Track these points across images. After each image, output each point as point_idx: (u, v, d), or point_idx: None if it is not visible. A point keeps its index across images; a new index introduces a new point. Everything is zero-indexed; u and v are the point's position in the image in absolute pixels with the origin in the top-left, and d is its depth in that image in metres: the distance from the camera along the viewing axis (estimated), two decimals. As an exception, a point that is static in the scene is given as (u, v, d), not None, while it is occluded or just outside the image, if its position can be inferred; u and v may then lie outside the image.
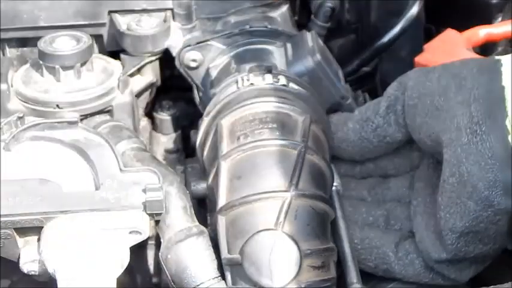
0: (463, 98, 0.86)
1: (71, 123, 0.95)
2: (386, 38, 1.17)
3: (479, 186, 0.83)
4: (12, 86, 1.04)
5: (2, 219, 0.84)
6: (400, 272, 0.91)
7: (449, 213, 0.86)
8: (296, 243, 0.82)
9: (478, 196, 0.83)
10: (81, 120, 0.99)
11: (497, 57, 0.88)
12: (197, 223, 0.90)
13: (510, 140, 0.82)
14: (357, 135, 0.96)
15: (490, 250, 0.87)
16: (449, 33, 1.17)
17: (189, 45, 1.08)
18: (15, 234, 0.86)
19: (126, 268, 0.86)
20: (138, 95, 1.10)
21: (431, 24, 1.24)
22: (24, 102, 1.02)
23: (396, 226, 0.95)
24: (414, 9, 1.16)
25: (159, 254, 0.89)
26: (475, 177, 0.83)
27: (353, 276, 0.87)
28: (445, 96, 0.88)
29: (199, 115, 1.02)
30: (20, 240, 0.87)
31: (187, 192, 0.92)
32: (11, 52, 1.13)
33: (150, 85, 1.11)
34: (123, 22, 1.09)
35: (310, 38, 1.04)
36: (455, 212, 0.85)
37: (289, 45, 1.04)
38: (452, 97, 0.88)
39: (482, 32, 1.17)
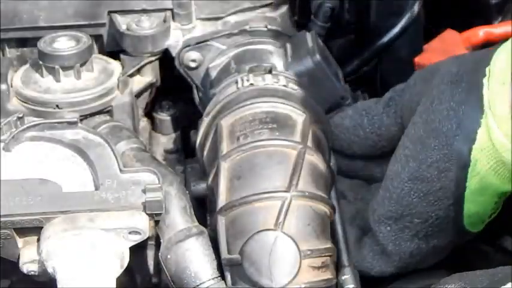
0: (453, 62, 0.87)
1: (71, 124, 0.95)
2: (386, 38, 1.17)
3: (442, 125, 0.83)
4: (12, 86, 1.04)
5: (2, 219, 0.84)
6: (364, 269, 0.91)
7: (404, 155, 0.86)
8: (296, 243, 0.82)
9: (437, 133, 0.83)
10: (81, 120, 0.99)
11: None
12: (197, 223, 0.90)
13: (485, 84, 0.81)
14: (352, 122, 0.96)
15: (432, 217, 0.85)
16: (449, 34, 1.17)
17: (188, 46, 1.08)
18: (15, 234, 0.86)
19: (126, 268, 0.86)
20: (138, 95, 1.10)
21: (431, 24, 1.24)
22: (24, 102, 1.02)
23: (360, 224, 0.94)
24: (414, 9, 1.16)
25: (159, 254, 0.89)
26: (441, 115, 0.83)
27: (345, 259, 0.88)
28: (441, 65, 0.89)
29: (199, 115, 1.02)
30: (20, 241, 0.87)
31: (187, 192, 0.92)
32: (10, 52, 1.13)
33: (150, 85, 1.11)
34: (122, 22, 1.09)
35: (309, 38, 1.04)
36: (411, 156, 0.85)
37: (288, 46, 1.04)
38: (445, 65, 0.88)
39: (482, 32, 1.17)
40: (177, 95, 1.17)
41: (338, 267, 0.88)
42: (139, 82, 1.10)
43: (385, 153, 0.96)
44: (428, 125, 0.85)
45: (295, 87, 0.97)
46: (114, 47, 1.11)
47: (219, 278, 0.86)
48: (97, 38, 1.11)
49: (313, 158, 0.89)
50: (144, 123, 1.15)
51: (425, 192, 0.85)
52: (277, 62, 1.03)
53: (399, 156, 0.87)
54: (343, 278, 0.87)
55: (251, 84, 0.96)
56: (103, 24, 1.10)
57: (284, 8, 1.14)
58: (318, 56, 1.01)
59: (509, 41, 0.83)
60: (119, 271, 0.85)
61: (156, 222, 0.89)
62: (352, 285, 0.87)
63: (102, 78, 1.05)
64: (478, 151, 0.81)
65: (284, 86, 0.96)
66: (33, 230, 0.86)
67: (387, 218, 0.87)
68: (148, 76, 1.11)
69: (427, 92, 0.87)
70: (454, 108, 0.83)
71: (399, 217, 0.87)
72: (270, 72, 0.98)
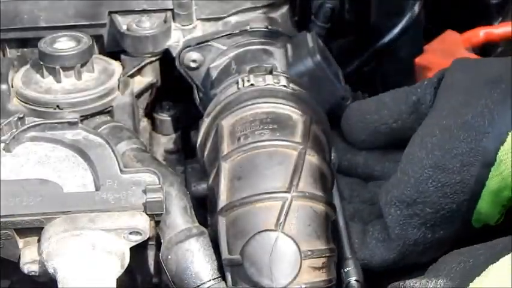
0: (496, 64, 0.87)
1: (71, 124, 0.95)
2: (386, 39, 1.17)
3: (475, 120, 0.83)
4: (12, 86, 1.04)
5: (2, 219, 0.84)
6: (365, 257, 0.90)
7: (430, 142, 0.85)
8: (296, 243, 0.82)
9: (468, 127, 0.83)
10: (82, 120, 0.98)
11: None
12: (197, 224, 0.90)
13: None
14: (404, 93, 0.94)
15: (444, 209, 0.85)
16: (449, 34, 1.17)
17: (189, 46, 1.08)
18: (15, 234, 0.86)
19: (126, 268, 0.86)
20: (138, 95, 1.10)
21: (431, 24, 1.24)
22: (25, 102, 1.02)
23: (360, 221, 0.94)
24: (414, 10, 1.17)
25: (160, 254, 0.89)
26: (475, 111, 0.83)
27: (347, 251, 0.88)
28: (483, 63, 0.90)
29: (199, 116, 1.02)
30: (20, 241, 0.87)
31: (188, 192, 0.93)
32: (11, 53, 1.13)
33: (150, 86, 1.11)
34: (123, 23, 1.09)
35: (310, 39, 1.04)
36: (437, 144, 0.85)
37: (289, 46, 1.04)
38: (487, 64, 0.88)
39: (482, 33, 1.17)
40: (177, 95, 1.17)
41: (340, 260, 0.87)
42: (139, 82, 1.10)
43: (389, 154, 0.96)
44: (460, 117, 0.84)
45: (296, 87, 0.97)
46: (114, 47, 1.11)
47: (220, 278, 0.86)
48: (97, 39, 1.11)
49: (314, 159, 0.89)
50: (144, 123, 1.15)
51: (443, 182, 0.84)
52: (278, 62, 1.03)
53: (424, 143, 0.86)
54: (345, 270, 0.87)
55: (252, 84, 0.96)
56: (103, 25, 1.10)
57: (284, 9, 1.14)
58: (318, 57, 1.01)
59: None
60: (119, 271, 0.85)
61: (157, 223, 0.89)
62: (355, 277, 0.86)
63: (103, 79, 1.05)
64: (505, 152, 0.82)
65: (285, 86, 0.96)
66: (34, 230, 0.86)
67: (400, 201, 0.87)
68: (149, 76, 1.11)
69: (463, 84, 0.87)
70: (490, 106, 0.83)
71: (412, 203, 0.86)
72: (270, 72, 0.98)
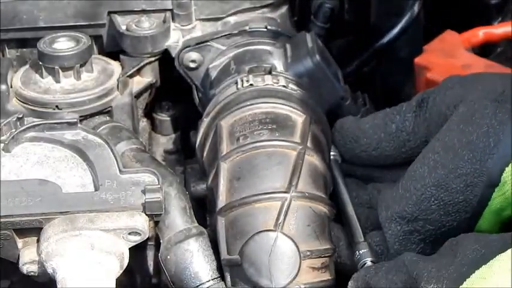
0: (499, 81, 0.86)
1: (71, 124, 0.95)
2: (386, 39, 1.17)
3: (480, 140, 0.82)
4: (11, 86, 1.04)
5: (2, 220, 0.84)
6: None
7: (433, 160, 0.84)
8: (296, 244, 0.82)
9: (473, 147, 0.82)
10: (81, 121, 0.99)
11: None
12: (196, 224, 0.90)
13: None
14: (384, 120, 0.93)
15: (445, 226, 0.84)
16: (449, 34, 1.17)
17: (188, 46, 1.08)
18: (14, 235, 0.86)
19: (126, 269, 0.86)
20: (138, 95, 1.10)
21: (431, 24, 1.24)
22: (24, 103, 1.02)
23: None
24: (414, 9, 1.16)
25: (159, 254, 0.89)
26: (480, 130, 0.82)
27: (358, 234, 0.87)
28: (484, 78, 0.88)
29: (198, 116, 1.02)
30: (20, 241, 0.87)
31: (187, 193, 0.93)
32: (10, 53, 1.13)
33: (150, 86, 1.11)
34: (122, 23, 1.09)
35: (309, 39, 1.04)
36: (440, 162, 0.83)
37: (288, 46, 1.04)
38: (489, 80, 0.87)
39: (481, 33, 1.17)
40: (177, 95, 1.17)
41: (352, 245, 0.87)
42: (139, 83, 1.10)
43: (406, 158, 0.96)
44: (464, 136, 0.83)
45: (295, 87, 0.97)
46: (113, 47, 1.11)
47: (219, 278, 0.86)
48: (97, 39, 1.11)
49: (313, 159, 0.89)
50: (143, 123, 1.15)
51: (446, 201, 0.83)
52: (277, 62, 1.02)
53: (427, 160, 0.85)
54: (360, 252, 0.85)
55: (251, 84, 0.96)
56: (103, 25, 1.10)
57: (284, 9, 1.14)
58: (317, 57, 1.01)
59: None
60: (118, 272, 0.85)
61: (156, 223, 0.89)
62: (370, 259, 0.84)
63: (102, 79, 1.05)
64: (510, 173, 0.81)
65: (284, 86, 0.96)
66: (33, 230, 0.86)
67: (401, 217, 0.86)
68: (148, 76, 1.11)
69: (465, 100, 0.86)
70: (495, 126, 0.82)
71: (413, 219, 0.85)
72: (269, 72, 0.98)
